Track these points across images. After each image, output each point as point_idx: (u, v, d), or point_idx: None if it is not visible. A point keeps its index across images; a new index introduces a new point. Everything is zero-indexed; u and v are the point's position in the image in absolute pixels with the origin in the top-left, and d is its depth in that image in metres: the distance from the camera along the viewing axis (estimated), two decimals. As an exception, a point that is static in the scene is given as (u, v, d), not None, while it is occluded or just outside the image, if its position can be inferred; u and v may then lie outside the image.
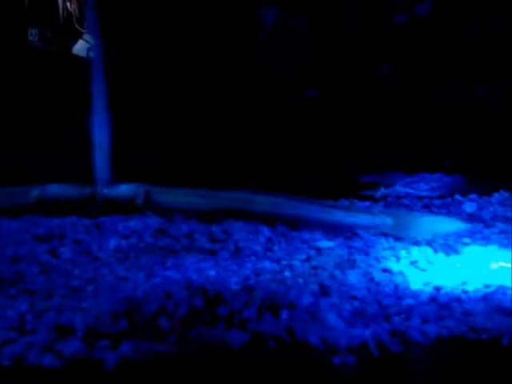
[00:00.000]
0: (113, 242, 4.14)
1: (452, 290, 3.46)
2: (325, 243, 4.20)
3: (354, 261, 3.91)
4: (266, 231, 4.35)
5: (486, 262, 3.89)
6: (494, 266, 3.82)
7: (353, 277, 3.64)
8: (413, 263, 3.91)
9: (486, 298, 3.34)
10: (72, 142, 4.90)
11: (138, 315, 3.04)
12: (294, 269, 3.78)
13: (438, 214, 5.00)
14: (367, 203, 5.20)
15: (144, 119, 5.40)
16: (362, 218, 4.44)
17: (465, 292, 3.44)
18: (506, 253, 4.00)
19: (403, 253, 4.07)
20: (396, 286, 3.53)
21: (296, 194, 4.63)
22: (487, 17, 5.78)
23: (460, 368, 2.81)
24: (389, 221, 4.37)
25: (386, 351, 2.85)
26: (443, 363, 2.83)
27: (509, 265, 3.81)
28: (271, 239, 4.26)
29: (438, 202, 5.27)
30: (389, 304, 3.26)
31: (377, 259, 3.97)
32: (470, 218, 4.88)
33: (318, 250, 4.11)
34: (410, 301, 3.31)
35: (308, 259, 3.96)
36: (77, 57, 4.97)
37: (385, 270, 3.78)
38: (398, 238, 4.30)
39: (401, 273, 3.75)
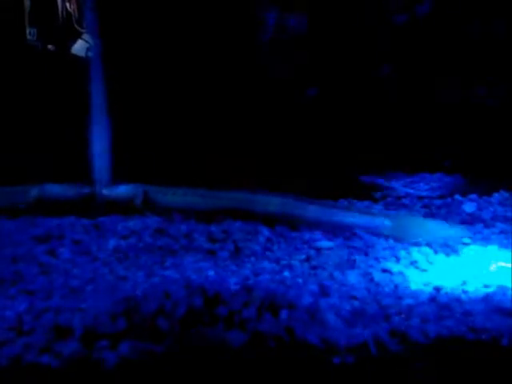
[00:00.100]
0: (112, 242, 4.14)
1: (452, 291, 3.45)
2: (324, 243, 4.19)
3: (354, 261, 3.91)
4: (265, 231, 4.35)
5: (486, 262, 3.88)
6: (493, 266, 3.81)
7: (352, 277, 3.64)
8: (412, 263, 3.90)
9: (485, 298, 3.33)
10: (71, 142, 4.90)
11: (137, 315, 3.03)
12: (294, 269, 3.78)
13: (438, 214, 4.99)
14: (367, 203, 5.19)
15: (144, 119, 5.39)
16: (361, 219, 4.43)
17: (465, 292, 3.43)
18: (506, 253, 4.00)
19: (403, 253, 4.06)
20: (396, 286, 3.52)
21: (296, 193, 4.63)
22: (487, 17, 5.78)
23: (460, 368, 2.80)
24: (388, 222, 4.37)
25: (386, 351, 2.85)
26: (443, 363, 2.82)
27: (509, 265, 3.80)
28: (270, 239, 4.25)
29: (437, 202, 5.26)
30: (388, 304, 3.25)
31: (376, 259, 3.96)
32: (470, 217, 4.87)
33: (318, 250, 4.10)
34: (409, 301, 3.30)
35: (307, 259, 3.95)
36: (76, 57, 4.97)
37: (384, 270, 3.77)
38: (397, 239, 4.29)
39: (400, 273, 3.74)
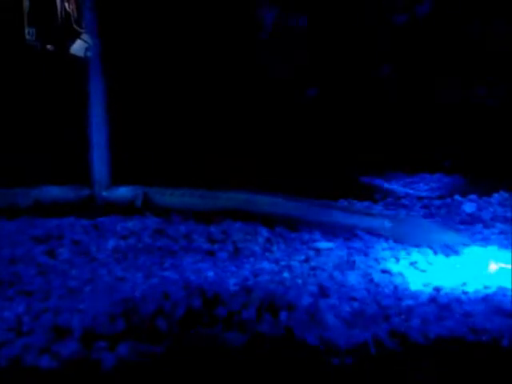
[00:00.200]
0: (111, 243, 4.13)
1: (452, 291, 3.44)
2: (324, 244, 4.19)
3: (354, 262, 3.90)
4: (264, 232, 4.34)
5: (486, 262, 3.87)
6: (493, 266, 3.81)
7: (352, 278, 3.63)
8: (412, 264, 3.90)
9: (485, 299, 3.33)
10: (70, 143, 4.89)
11: (136, 316, 3.03)
12: (293, 270, 3.77)
13: (438, 214, 4.99)
14: (367, 203, 5.19)
15: (143, 119, 5.39)
16: (361, 220, 4.42)
17: (465, 293, 3.42)
18: (505, 253, 3.99)
19: (403, 254, 4.05)
20: (395, 287, 3.51)
21: (296, 194, 4.62)
22: (487, 17, 5.77)
23: (460, 369, 2.80)
24: (388, 224, 4.36)
25: (386, 352, 2.84)
26: (443, 364, 2.81)
27: (509, 266, 3.79)
28: (270, 240, 4.24)
29: (437, 202, 5.26)
30: (388, 305, 3.25)
31: (376, 260, 3.95)
32: (470, 218, 4.86)
33: (317, 250, 4.10)
34: (409, 301, 3.30)
35: (307, 260, 3.95)
36: (75, 57, 4.95)
37: (384, 271, 3.77)
38: (397, 240, 4.28)
39: (400, 274, 3.73)
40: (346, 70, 5.81)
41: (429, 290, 3.47)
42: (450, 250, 4.09)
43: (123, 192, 4.77)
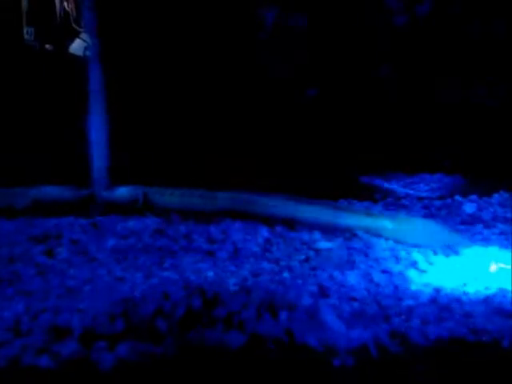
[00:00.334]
0: (111, 243, 4.13)
1: (452, 292, 3.44)
2: (324, 244, 4.18)
3: (354, 262, 3.89)
4: (264, 232, 4.34)
5: (487, 263, 3.86)
6: (494, 267, 3.80)
7: (352, 278, 3.62)
8: (412, 264, 3.89)
9: (486, 299, 3.32)
10: (69, 142, 4.88)
11: (136, 316, 3.02)
12: (293, 270, 3.76)
13: (438, 215, 4.98)
14: (366, 204, 5.18)
15: (143, 119, 5.38)
16: (361, 220, 4.42)
17: (465, 293, 3.42)
18: (506, 254, 3.98)
19: (403, 254, 4.05)
20: (396, 287, 3.51)
21: (295, 194, 4.61)
22: (487, 17, 5.77)
23: (460, 370, 2.79)
24: (388, 224, 4.35)
25: (386, 352, 2.83)
26: (443, 365, 2.81)
27: (509, 266, 3.78)
28: (270, 240, 4.24)
29: (437, 202, 5.25)
30: (388, 305, 3.24)
31: (376, 260, 3.95)
32: (470, 218, 4.86)
33: (317, 250, 4.09)
34: (409, 302, 3.29)
35: (307, 260, 3.94)
36: (74, 56, 4.95)
37: (384, 271, 3.76)
38: (398, 240, 4.27)
39: (400, 274, 3.73)
40: (346, 69, 5.81)
41: (429, 290, 3.46)
42: (450, 250, 4.08)
43: (123, 192, 4.77)
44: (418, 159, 5.66)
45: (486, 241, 4.33)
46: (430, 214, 5.02)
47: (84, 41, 4.87)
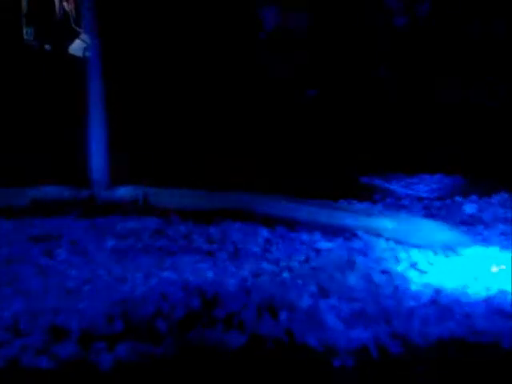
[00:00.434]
0: (110, 243, 4.12)
1: (452, 292, 3.43)
2: (324, 244, 4.17)
3: (354, 262, 3.88)
4: (264, 232, 4.33)
5: (487, 263, 3.85)
6: (494, 268, 3.79)
7: (352, 278, 3.61)
8: (413, 265, 3.88)
9: (486, 300, 3.31)
10: (69, 142, 4.88)
11: (135, 316, 3.02)
12: (293, 270, 3.75)
13: (438, 215, 4.97)
14: (366, 204, 5.17)
15: (143, 119, 5.38)
16: (361, 220, 4.41)
17: (465, 294, 3.41)
18: (506, 255, 3.97)
19: (403, 254, 4.04)
20: (396, 288, 3.50)
21: (296, 194, 4.61)
22: (487, 17, 5.77)
23: (460, 370, 2.78)
24: (388, 224, 4.35)
25: (386, 353, 2.83)
26: (444, 366, 2.80)
27: (509, 267, 3.78)
28: (270, 240, 4.23)
29: (437, 203, 5.24)
30: (389, 306, 3.23)
31: (376, 261, 3.94)
32: (470, 219, 4.85)
33: (317, 251, 4.08)
34: (410, 302, 3.28)
35: (307, 260, 3.93)
36: (73, 56, 4.95)
37: (384, 272, 3.75)
38: (398, 241, 4.27)
39: (401, 274, 3.72)
40: (346, 70, 5.82)
41: (429, 290, 3.45)
42: (450, 250, 4.08)
43: (123, 192, 4.76)
44: (418, 159, 5.66)
45: (486, 241, 4.32)
46: (430, 214, 5.00)
47: (84, 41, 4.86)
